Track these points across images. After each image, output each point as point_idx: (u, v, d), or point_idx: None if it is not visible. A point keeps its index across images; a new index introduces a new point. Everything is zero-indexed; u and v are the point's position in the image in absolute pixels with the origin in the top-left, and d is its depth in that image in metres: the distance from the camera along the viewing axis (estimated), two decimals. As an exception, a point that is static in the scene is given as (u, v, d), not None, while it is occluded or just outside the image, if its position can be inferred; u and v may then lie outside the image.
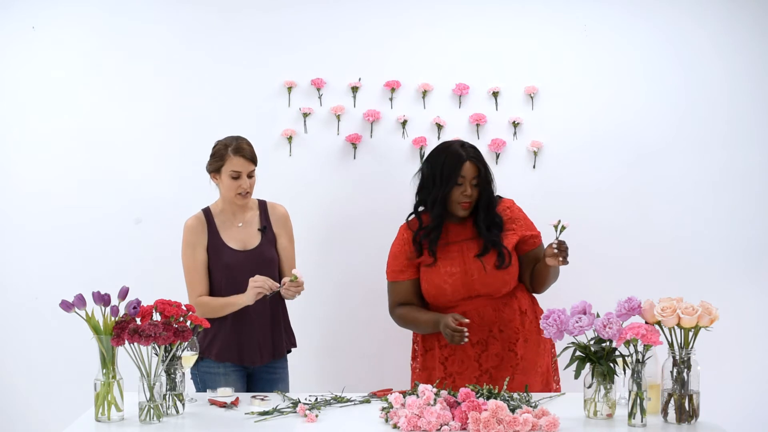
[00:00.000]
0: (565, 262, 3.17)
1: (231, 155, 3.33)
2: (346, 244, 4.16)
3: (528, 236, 3.41)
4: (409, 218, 3.48)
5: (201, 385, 3.37)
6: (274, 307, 3.43)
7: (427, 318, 3.33)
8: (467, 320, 3.16)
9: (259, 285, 3.23)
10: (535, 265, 3.39)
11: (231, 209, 3.44)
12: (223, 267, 3.37)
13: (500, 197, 3.45)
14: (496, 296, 3.33)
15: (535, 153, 4.10)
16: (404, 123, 4.12)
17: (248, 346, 3.38)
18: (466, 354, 3.31)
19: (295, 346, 3.56)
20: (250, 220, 3.46)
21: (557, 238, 3.15)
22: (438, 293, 3.34)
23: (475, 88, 4.12)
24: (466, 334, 3.12)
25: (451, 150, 3.34)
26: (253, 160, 3.38)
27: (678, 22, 4.12)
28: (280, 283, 3.32)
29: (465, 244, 3.36)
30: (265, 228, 3.46)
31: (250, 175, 3.38)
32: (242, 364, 3.40)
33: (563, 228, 3.12)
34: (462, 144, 3.38)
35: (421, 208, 3.45)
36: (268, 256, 3.43)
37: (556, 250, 3.15)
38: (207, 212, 3.44)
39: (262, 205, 3.51)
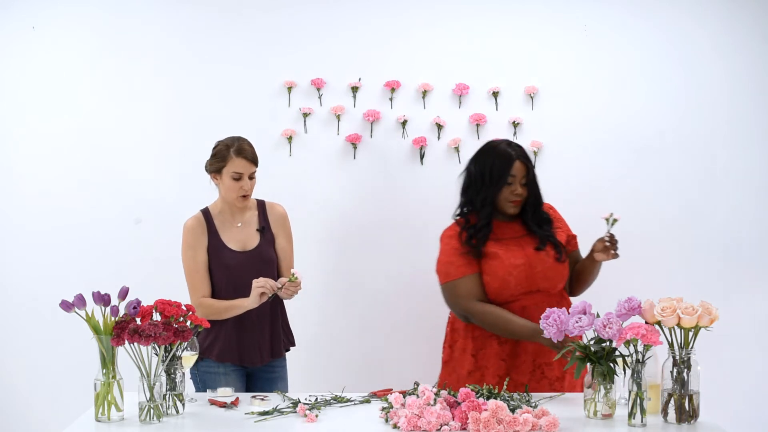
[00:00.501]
0: (616, 255, 3.20)
1: (233, 156, 3.32)
2: (346, 244, 4.16)
3: (571, 236, 3.44)
4: (457, 216, 3.40)
5: (201, 385, 3.37)
6: (273, 308, 3.43)
7: (522, 323, 3.19)
8: None
9: (261, 285, 3.22)
10: (574, 266, 3.41)
11: (230, 210, 3.44)
12: (223, 268, 3.37)
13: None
14: (552, 292, 3.32)
15: (535, 153, 4.10)
16: (404, 123, 4.12)
17: (249, 347, 3.38)
18: (524, 349, 3.28)
19: (293, 345, 3.56)
20: (249, 220, 3.46)
21: (609, 231, 3.18)
22: (502, 286, 3.27)
23: (475, 88, 4.12)
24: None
25: (499, 149, 3.32)
26: (254, 161, 3.37)
27: (678, 22, 4.12)
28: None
29: (522, 239, 3.34)
30: (264, 228, 3.45)
31: (251, 177, 3.37)
32: (242, 364, 3.39)
33: (615, 221, 3.14)
34: (509, 143, 3.35)
35: (465, 209, 3.39)
36: (267, 257, 3.42)
37: (608, 243, 3.18)
38: (206, 213, 3.43)
39: (261, 205, 3.51)
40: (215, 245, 3.37)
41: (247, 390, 3.42)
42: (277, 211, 3.52)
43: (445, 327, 3.47)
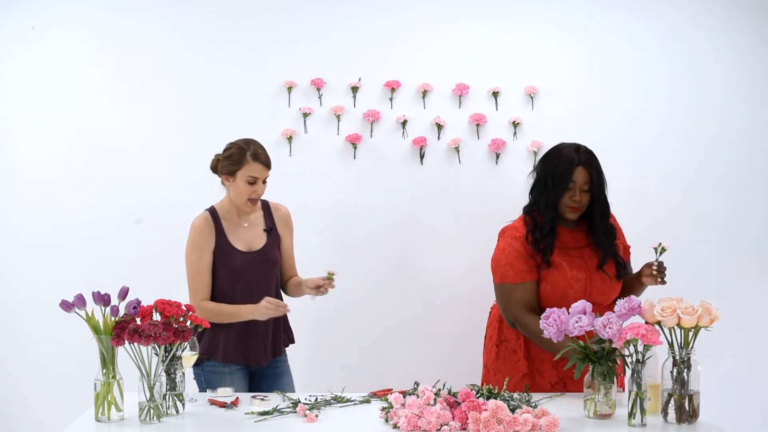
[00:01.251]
0: (663, 282, 3.21)
1: (250, 160, 3.30)
2: (346, 244, 4.16)
3: (626, 247, 3.42)
4: (529, 212, 3.33)
5: (205, 385, 3.35)
6: (274, 308, 3.44)
7: (564, 346, 2.98)
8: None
9: (272, 310, 3.22)
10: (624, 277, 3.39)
11: (237, 210, 3.43)
12: (231, 268, 3.36)
13: None
14: (603, 305, 3.29)
15: (535, 153, 4.10)
16: (404, 123, 4.12)
17: (253, 348, 3.37)
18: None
19: (293, 341, 3.55)
20: (255, 220, 3.45)
21: (657, 260, 3.18)
22: (560, 297, 3.22)
23: (475, 88, 4.12)
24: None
25: (563, 153, 3.27)
26: (269, 165, 3.36)
27: (678, 22, 4.13)
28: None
29: (584, 250, 3.31)
30: (272, 229, 3.45)
31: (264, 181, 3.37)
32: (247, 364, 3.39)
33: (663, 250, 3.14)
34: (577, 148, 3.28)
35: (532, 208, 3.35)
36: (272, 257, 3.42)
37: (656, 272, 3.19)
38: (213, 212, 3.40)
39: (266, 206, 3.50)
40: (222, 246, 3.36)
41: (253, 389, 3.42)
42: (282, 211, 3.52)
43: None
